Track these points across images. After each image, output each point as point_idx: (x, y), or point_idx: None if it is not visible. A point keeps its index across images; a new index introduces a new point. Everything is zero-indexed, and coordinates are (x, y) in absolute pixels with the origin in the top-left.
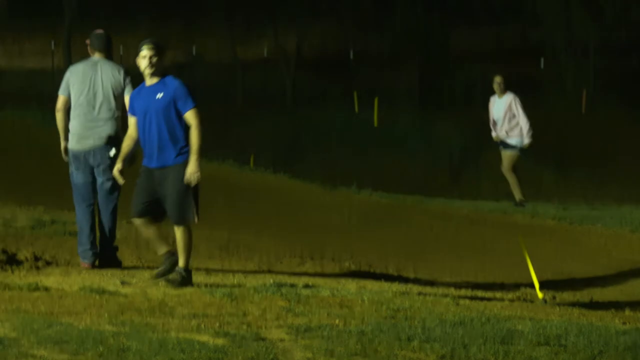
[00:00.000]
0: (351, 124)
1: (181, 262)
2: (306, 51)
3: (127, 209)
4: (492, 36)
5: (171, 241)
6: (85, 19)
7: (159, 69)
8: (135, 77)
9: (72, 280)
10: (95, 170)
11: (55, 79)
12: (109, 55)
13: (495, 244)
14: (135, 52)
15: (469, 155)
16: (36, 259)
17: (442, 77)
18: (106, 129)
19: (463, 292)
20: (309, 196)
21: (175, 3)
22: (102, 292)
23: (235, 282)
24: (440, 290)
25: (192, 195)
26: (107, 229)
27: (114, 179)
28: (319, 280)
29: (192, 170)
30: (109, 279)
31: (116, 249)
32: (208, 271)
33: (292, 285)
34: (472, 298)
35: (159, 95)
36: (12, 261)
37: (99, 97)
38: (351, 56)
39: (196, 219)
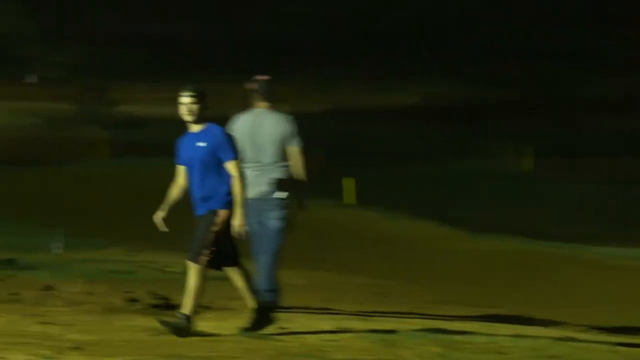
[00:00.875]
0: (497, 171)
1: (185, 306)
2: (441, 99)
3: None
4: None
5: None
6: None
7: (199, 117)
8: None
9: (229, 325)
10: (262, 217)
11: None
12: (272, 103)
13: None
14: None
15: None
16: None
17: (575, 125)
18: (274, 177)
19: (621, 338)
20: (457, 243)
21: (308, 53)
22: (259, 336)
23: (389, 327)
24: (597, 337)
25: (210, 236)
26: (266, 267)
27: (280, 221)
28: (472, 326)
29: (238, 223)
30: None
31: (276, 292)
32: (361, 316)
33: (446, 331)
34: (630, 345)
35: (201, 144)
36: (168, 306)
37: (266, 148)
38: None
39: (203, 261)
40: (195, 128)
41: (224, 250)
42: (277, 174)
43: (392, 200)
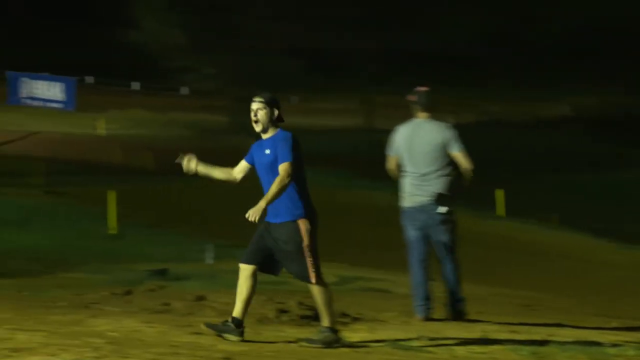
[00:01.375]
0: None
1: (324, 320)
2: (593, 109)
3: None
4: None
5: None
6: (386, 78)
7: (267, 124)
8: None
9: (378, 337)
10: (427, 228)
11: (356, 137)
12: (433, 112)
13: None
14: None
15: None
16: (342, 315)
17: None
18: (434, 187)
19: None
20: (609, 254)
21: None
22: (407, 348)
23: (540, 339)
24: None
25: (306, 253)
26: (450, 280)
27: (449, 234)
28: (624, 338)
29: (253, 210)
30: (415, 335)
31: (462, 301)
32: (509, 328)
33: (597, 344)
34: None
35: (267, 152)
36: (318, 318)
37: (425, 158)
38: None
39: (313, 279)
40: (265, 135)
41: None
42: (436, 184)
43: (542, 211)
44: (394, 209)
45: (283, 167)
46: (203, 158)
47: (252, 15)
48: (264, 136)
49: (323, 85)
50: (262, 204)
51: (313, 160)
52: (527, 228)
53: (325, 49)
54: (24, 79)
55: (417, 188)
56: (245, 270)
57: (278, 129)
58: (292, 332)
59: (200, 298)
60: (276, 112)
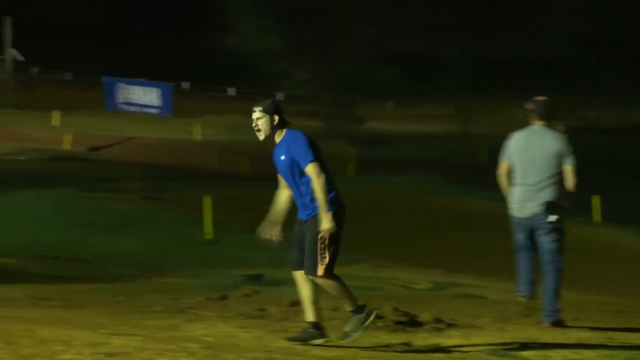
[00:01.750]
0: None
1: (346, 306)
2: None
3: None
4: None
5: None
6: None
7: (269, 131)
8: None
9: (473, 343)
10: (535, 234)
11: (452, 143)
12: (549, 122)
13: None
14: None
15: None
16: (437, 321)
17: None
18: (545, 196)
19: None
20: None
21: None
22: (502, 354)
23: (635, 346)
24: None
25: (319, 248)
26: (549, 289)
27: (556, 243)
28: None
29: (324, 227)
30: (510, 341)
31: (560, 310)
32: (607, 335)
33: None
34: None
35: (282, 157)
36: (414, 323)
37: (538, 166)
38: None
39: (320, 272)
40: (276, 139)
41: (336, 254)
42: (547, 193)
43: (639, 218)
44: (488, 216)
45: (310, 170)
46: None
47: (348, 20)
48: (276, 141)
49: (418, 91)
50: (323, 214)
51: (408, 166)
52: (624, 234)
53: (420, 54)
54: (120, 84)
55: (527, 196)
56: (297, 276)
57: (285, 131)
58: (387, 338)
59: (295, 303)
60: (276, 118)
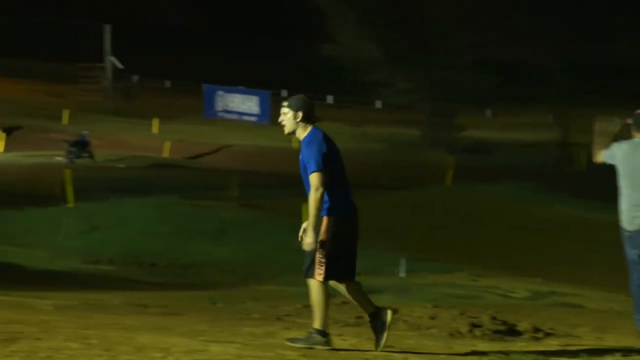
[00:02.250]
0: None
1: (314, 321)
2: None
3: None
4: None
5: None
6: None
7: (292, 126)
8: None
9: (571, 352)
10: None
11: (551, 152)
12: None
13: None
14: None
15: None
16: (535, 330)
17: None
18: None
19: None
20: None
21: None
22: None
23: None
24: None
25: (318, 248)
26: None
27: None
28: None
29: (307, 241)
30: (608, 349)
31: None
32: None
33: None
34: None
35: (300, 158)
36: (512, 332)
37: (638, 177)
38: None
39: (318, 277)
40: (300, 136)
41: (345, 262)
42: None
43: None
44: (586, 225)
45: (312, 179)
46: (395, 172)
47: (448, 29)
48: (299, 138)
49: (517, 99)
50: (309, 227)
51: (506, 174)
52: None
53: (519, 62)
54: (220, 92)
55: (634, 210)
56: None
57: (309, 129)
58: (484, 346)
59: (393, 311)
60: (300, 115)
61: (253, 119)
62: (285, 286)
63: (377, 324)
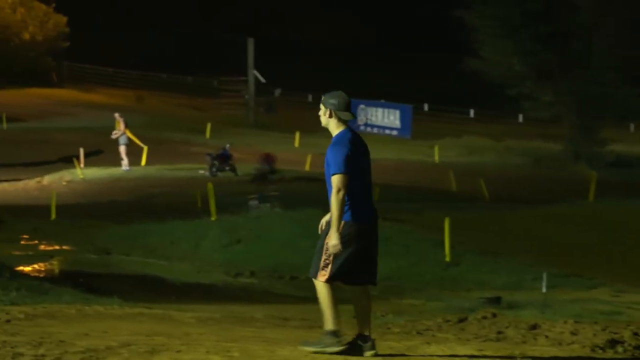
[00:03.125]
0: None
1: (324, 322)
2: None
3: None
4: None
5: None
6: None
7: (325, 122)
8: None
9: None
10: None
11: None
12: None
13: None
14: None
15: None
16: None
17: None
18: None
19: None
20: None
21: None
22: None
23: None
24: None
25: (321, 253)
26: None
27: None
28: None
29: (329, 242)
30: None
31: None
32: None
33: None
34: None
35: (325, 156)
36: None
37: None
38: None
39: (321, 278)
40: (333, 133)
41: (350, 265)
42: None
43: None
44: None
45: (334, 180)
46: (537, 186)
47: (593, 43)
48: (332, 135)
49: None
50: (332, 233)
51: None
52: None
53: None
54: (361, 105)
55: None
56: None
57: (340, 129)
58: None
59: (534, 327)
60: (330, 112)
61: (394, 132)
62: (425, 300)
63: (356, 348)
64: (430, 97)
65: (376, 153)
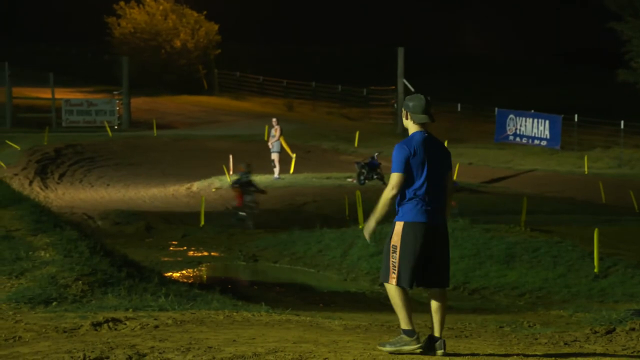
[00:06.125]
0: None
1: (401, 322)
2: None
3: None
4: None
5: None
6: None
7: (403, 124)
8: None
9: None
10: None
11: None
12: None
13: None
14: None
15: None
16: None
17: None
18: None
19: None
20: None
21: None
22: None
23: None
24: None
25: (389, 256)
26: None
27: None
28: None
29: (365, 232)
30: None
31: None
32: None
33: None
34: None
35: None
36: None
37: None
38: None
39: (391, 281)
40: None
41: (417, 266)
42: None
43: None
44: None
45: (391, 177)
46: None
47: None
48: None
49: None
50: (370, 220)
51: None
52: None
53: None
54: (511, 116)
55: None
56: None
57: (413, 131)
58: None
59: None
60: (406, 113)
61: (543, 143)
62: (573, 311)
63: (427, 347)
64: (581, 109)
65: (525, 163)
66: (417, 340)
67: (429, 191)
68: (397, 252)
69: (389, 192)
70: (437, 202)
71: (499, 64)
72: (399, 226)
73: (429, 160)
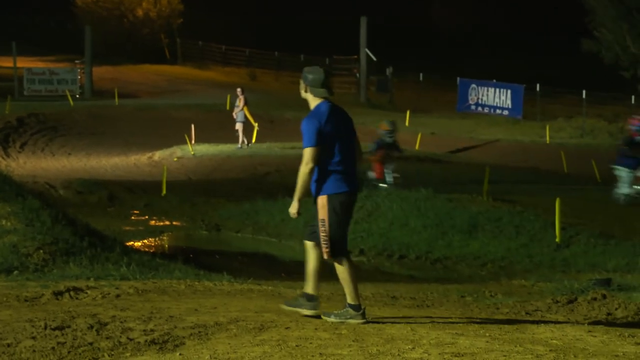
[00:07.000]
0: None
1: (346, 296)
2: None
3: None
4: None
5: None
6: None
7: (303, 95)
8: None
9: None
10: None
11: None
12: None
13: None
14: None
15: None
16: None
17: None
18: None
19: None
20: None
21: None
22: None
23: None
24: None
25: (320, 227)
26: None
27: None
28: None
29: (290, 210)
30: None
31: None
32: None
33: None
34: None
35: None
36: None
37: None
38: None
39: (325, 255)
40: (311, 108)
41: (345, 234)
42: None
43: None
44: None
45: (304, 153)
46: None
47: None
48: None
49: None
50: (293, 203)
51: None
52: None
53: None
54: (473, 85)
55: None
56: (306, 246)
57: (317, 103)
58: None
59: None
60: (303, 85)
61: (505, 112)
62: (535, 281)
63: (303, 301)
64: (543, 78)
65: (487, 133)
66: (363, 315)
67: (343, 159)
68: (326, 225)
69: (305, 168)
70: (351, 168)
71: (467, 35)
72: (322, 200)
73: (338, 129)
